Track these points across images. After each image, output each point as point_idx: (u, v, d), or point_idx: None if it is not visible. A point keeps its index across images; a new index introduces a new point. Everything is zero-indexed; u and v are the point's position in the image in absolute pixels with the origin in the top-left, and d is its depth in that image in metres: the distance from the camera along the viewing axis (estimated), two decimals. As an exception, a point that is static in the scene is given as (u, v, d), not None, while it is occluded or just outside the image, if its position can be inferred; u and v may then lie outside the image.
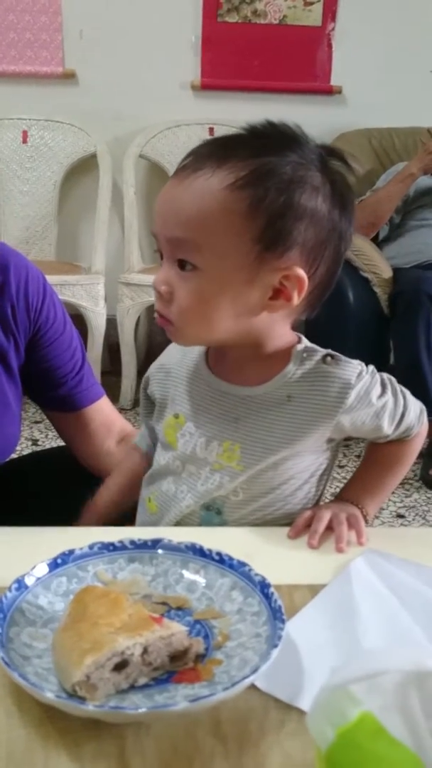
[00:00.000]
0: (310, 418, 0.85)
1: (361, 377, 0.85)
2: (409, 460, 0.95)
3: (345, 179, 0.82)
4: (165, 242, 0.80)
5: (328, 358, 0.86)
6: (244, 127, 0.81)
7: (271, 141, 0.80)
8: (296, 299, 0.81)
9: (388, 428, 0.89)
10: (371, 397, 0.86)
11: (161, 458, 0.93)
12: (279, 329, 0.85)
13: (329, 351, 0.87)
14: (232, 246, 0.78)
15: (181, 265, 0.79)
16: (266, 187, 0.77)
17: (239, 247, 0.78)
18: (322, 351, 0.87)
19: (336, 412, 0.85)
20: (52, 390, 1.13)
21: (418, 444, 0.95)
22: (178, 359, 0.93)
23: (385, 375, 0.90)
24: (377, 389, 0.87)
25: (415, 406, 0.91)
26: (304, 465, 0.89)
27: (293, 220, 0.78)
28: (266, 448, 0.86)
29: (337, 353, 0.87)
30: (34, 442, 2.53)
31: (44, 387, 1.13)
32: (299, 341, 0.88)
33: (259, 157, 0.77)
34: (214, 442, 0.88)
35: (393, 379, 0.90)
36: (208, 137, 2.98)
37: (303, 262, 0.80)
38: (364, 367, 0.87)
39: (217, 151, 0.79)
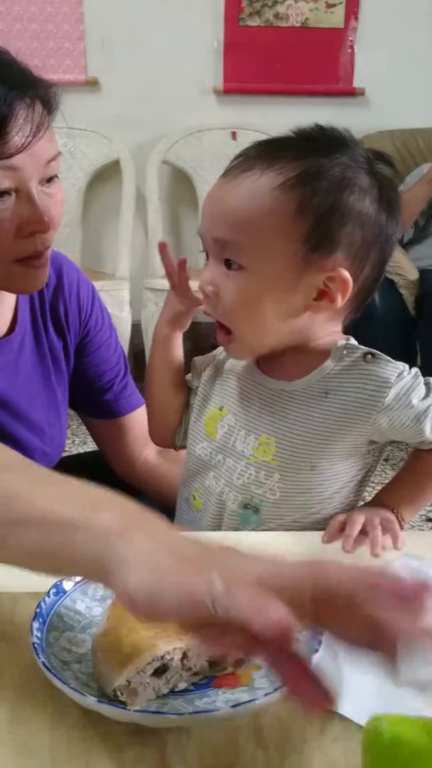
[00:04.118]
0: (347, 416, 0.85)
1: (401, 377, 0.84)
2: None
3: (392, 183, 0.83)
4: (212, 242, 0.81)
5: (369, 356, 0.86)
6: (293, 129, 0.82)
7: (319, 143, 0.81)
8: (340, 301, 0.81)
9: (430, 433, 0.86)
10: (411, 398, 0.84)
11: (200, 450, 0.93)
12: (322, 330, 0.85)
13: (371, 349, 0.86)
14: (278, 246, 0.78)
15: (228, 264, 0.80)
16: (314, 188, 0.77)
17: (286, 247, 0.78)
18: (364, 349, 0.87)
19: (373, 410, 0.84)
20: (98, 396, 1.14)
21: None
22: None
23: None
24: (420, 391, 0.85)
25: None
26: (342, 468, 0.88)
27: (340, 221, 0.78)
28: (301, 444, 0.86)
29: (380, 353, 0.86)
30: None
31: (90, 392, 1.13)
32: (343, 339, 0.88)
33: (307, 158, 0.78)
34: (251, 435, 0.88)
35: None
36: (231, 142, 3.00)
37: (348, 264, 0.80)
38: (407, 368, 0.86)
39: (266, 152, 0.80)
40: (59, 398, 1.09)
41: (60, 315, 1.07)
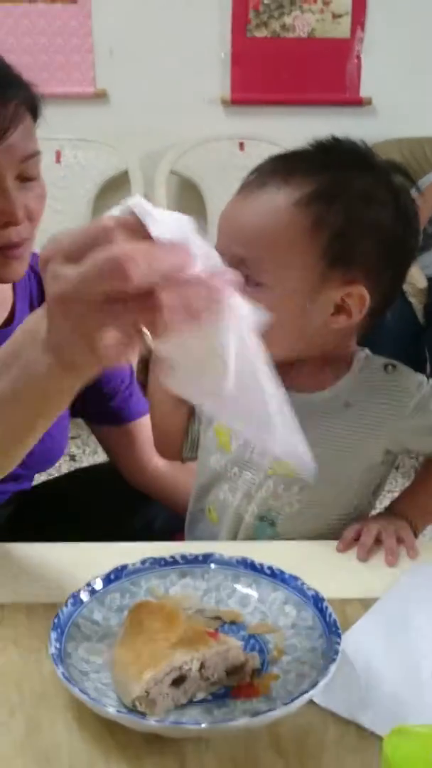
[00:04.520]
0: (368, 427, 0.85)
1: (421, 387, 0.85)
2: None
3: (409, 194, 0.82)
4: (229, 259, 0.79)
5: (390, 367, 0.86)
6: (309, 142, 0.82)
7: (335, 157, 0.80)
8: (357, 316, 0.81)
9: None
10: (430, 406, 0.85)
11: (214, 463, 0.93)
12: (338, 342, 0.86)
13: (391, 360, 0.87)
14: (296, 262, 0.78)
15: (248, 280, 0.79)
16: (332, 203, 0.77)
17: (304, 263, 0.78)
18: (384, 360, 0.87)
19: (395, 420, 0.85)
20: (104, 402, 1.14)
21: None
22: None
23: None
24: None
25: None
26: (360, 479, 0.89)
27: (358, 236, 0.78)
28: (322, 456, 0.86)
29: (399, 363, 0.87)
30: (72, 457, 2.54)
31: (96, 399, 1.14)
32: (361, 351, 0.88)
33: (324, 173, 0.78)
34: None
35: None
36: (239, 152, 3.02)
37: (366, 278, 0.80)
38: (425, 379, 0.87)
39: (282, 167, 0.79)
40: None
41: None
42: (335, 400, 0.86)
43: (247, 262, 0.78)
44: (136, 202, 0.51)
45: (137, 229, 0.50)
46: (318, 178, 0.77)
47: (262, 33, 3.02)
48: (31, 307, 1.06)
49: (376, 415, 0.85)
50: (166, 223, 0.50)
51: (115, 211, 0.52)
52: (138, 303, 0.49)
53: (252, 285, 0.78)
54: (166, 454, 1.01)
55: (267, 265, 0.78)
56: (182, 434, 0.97)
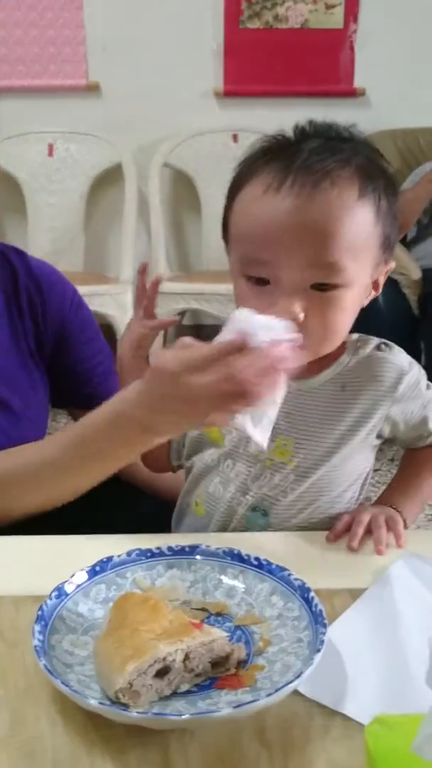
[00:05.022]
0: (364, 407, 0.86)
1: (412, 366, 0.88)
2: None
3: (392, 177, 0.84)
4: (303, 269, 0.75)
5: (383, 346, 0.88)
6: (303, 127, 0.80)
7: (344, 143, 0.79)
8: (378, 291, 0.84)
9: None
10: (421, 386, 0.88)
11: (208, 457, 0.92)
12: None
13: (382, 340, 0.88)
14: (368, 256, 0.79)
15: (320, 286, 0.76)
16: (375, 189, 0.78)
17: (372, 255, 0.79)
18: (376, 340, 0.88)
19: (390, 398, 0.86)
20: (79, 388, 1.15)
21: None
22: None
23: None
24: (425, 381, 0.89)
25: None
26: (353, 464, 0.89)
27: (394, 216, 0.81)
28: (319, 443, 0.87)
29: (390, 342, 0.89)
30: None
31: (71, 385, 1.15)
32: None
33: (351, 160, 0.77)
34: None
35: None
36: (233, 144, 3.01)
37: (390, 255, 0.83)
38: (415, 361, 0.89)
39: (317, 159, 0.76)
40: (38, 383, 1.11)
41: (36, 305, 1.09)
42: (331, 384, 0.87)
43: (333, 267, 0.75)
44: (240, 316, 0.74)
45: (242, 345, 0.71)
46: (352, 168, 0.77)
47: (254, 24, 3.00)
48: (7, 298, 1.08)
49: (371, 394, 0.86)
50: (258, 325, 0.72)
51: (225, 335, 0.74)
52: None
53: (329, 289, 0.77)
54: (156, 469, 1.01)
55: (350, 265, 0.76)
56: (166, 448, 0.96)
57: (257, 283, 0.78)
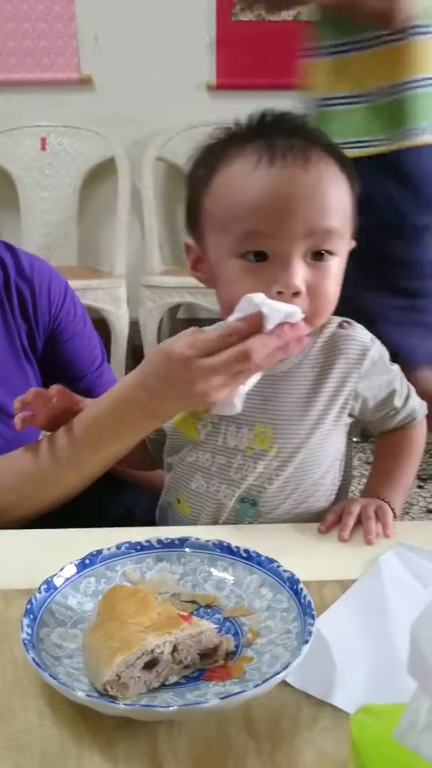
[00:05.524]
0: (334, 385, 0.88)
1: (374, 341, 0.90)
2: (417, 446, 0.97)
3: None
4: (302, 237, 0.77)
5: (345, 324, 0.90)
6: (263, 114, 0.83)
7: (305, 127, 0.84)
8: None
9: (398, 401, 0.92)
10: (385, 360, 0.91)
11: (184, 453, 0.92)
12: None
13: (344, 318, 0.90)
14: (348, 227, 0.82)
15: (316, 255, 0.79)
16: (347, 168, 0.82)
17: (351, 222, 0.82)
18: (338, 318, 0.90)
19: (356, 373, 0.88)
20: (73, 383, 1.14)
21: (423, 430, 0.97)
22: None
23: None
24: (387, 356, 0.91)
25: (414, 392, 0.95)
26: (331, 445, 0.90)
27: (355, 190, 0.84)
28: (297, 425, 0.87)
29: (352, 320, 0.91)
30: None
31: (64, 379, 1.14)
32: None
33: (317, 139, 0.81)
34: (244, 427, 0.88)
35: None
36: (226, 137, 3.00)
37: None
38: (372, 335, 0.91)
39: (298, 134, 0.80)
40: (32, 380, 1.10)
41: (26, 301, 1.08)
42: (301, 365, 0.88)
43: (333, 233, 0.79)
44: (257, 300, 0.76)
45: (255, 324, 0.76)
46: (324, 146, 0.81)
47: (247, 17, 2.99)
48: None
49: (338, 372, 0.88)
50: (274, 309, 0.75)
51: (237, 315, 0.77)
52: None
53: (326, 258, 0.80)
54: (137, 468, 1.03)
55: (344, 232, 0.81)
56: (140, 448, 0.96)
57: (255, 259, 0.78)
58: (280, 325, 0.76)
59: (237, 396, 0.80)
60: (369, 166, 1.54)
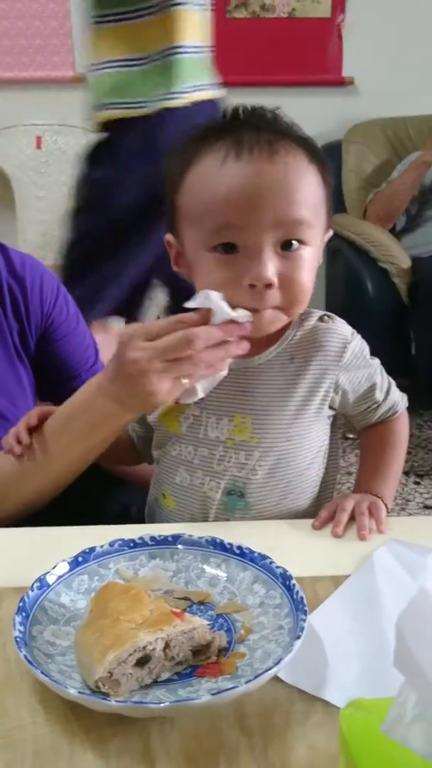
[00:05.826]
0: (314, 377, 0.88)
1: (354, 335, 0.90)
2: (401, 439, 0.98)
3: None
4: (271, 228, 0.78)
5: (325, 317, 0.90)
6: (235, 110, 0.83)
7: (277, 120, 0.83)
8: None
9: (379, 394, 0.93)
10: (366, 355, 0.91)
11: (169, 447, 0.93)
12: None
13: (325, 312, 0.91)
14: (320, 217, 0.82)
15: (287, 246, 0.79)
16: (318, 159, 0.82)
17: (322, 217, 0.83)
18: (319, 312, 0.91)
19: (336, 366, 0.88)
20: (67, 382, 1.14)
21: (405, 423, 0.98)
22: None
23: None
24: (368, 350, 0.92)
25: (394, 385, 0.96)
26: (314, 436, 0.91)
27: (330, 189, 0.85)
28: (277, 416, 0.88)
29: (332, 314, 0.91)
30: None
31: (58, 379, 1.14)
32: None
33: (293, 134, 0.82)
34: (224, 419, 0.89)
35: None
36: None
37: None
38: (353, 329, 0.92)
39: (266, 128, 0.81)
40: (24, 381, 1.10)
41: (18, 300, 1.08)
42: (280, 357, 0.89)
43: (302, 223, 0.79)
44: (213, 296, 0.78)
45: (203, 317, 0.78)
46: (294, 138, 0.81)
47: (241, 14, 2.99)
48: None
49: (318, 364, 0.88)
50: (224, 308, 0.78)
51: (190, 303, 0.79)
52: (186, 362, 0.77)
53: (296, 248, 0.80)
54: (124, 464, 1.04)
55: (312, 221, 0.80)
56: (127, 443, 0.99)
57: (225, 251, 0.79)
58: (227, 322, 0.78)
59: (198, 383, 0.81)
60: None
